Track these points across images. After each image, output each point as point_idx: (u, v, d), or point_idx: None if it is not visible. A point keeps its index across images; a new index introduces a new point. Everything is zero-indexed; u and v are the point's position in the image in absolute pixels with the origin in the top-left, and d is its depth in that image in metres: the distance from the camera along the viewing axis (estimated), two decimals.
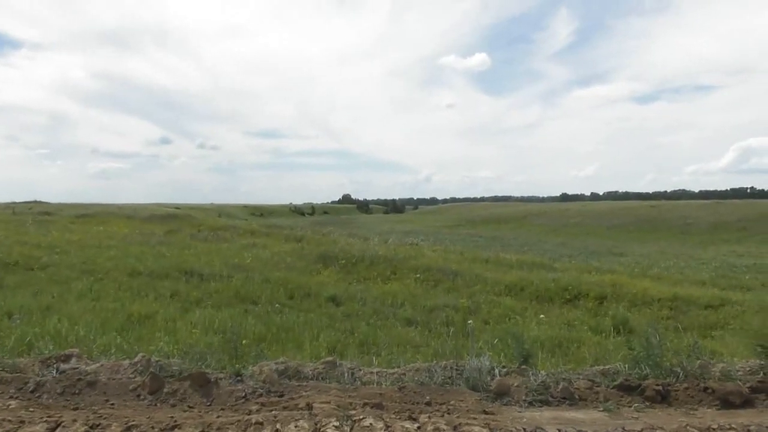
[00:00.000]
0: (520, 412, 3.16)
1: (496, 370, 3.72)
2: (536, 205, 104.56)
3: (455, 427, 2.80)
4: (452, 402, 3.28)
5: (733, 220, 46.99)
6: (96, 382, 3.45)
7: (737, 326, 9.43)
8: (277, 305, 9.72)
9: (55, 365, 3.73)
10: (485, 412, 3.11)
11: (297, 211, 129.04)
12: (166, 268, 12.86)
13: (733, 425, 2.84)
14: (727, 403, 3.23)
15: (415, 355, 6.08)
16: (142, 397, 3.32)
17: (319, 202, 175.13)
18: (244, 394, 3.36)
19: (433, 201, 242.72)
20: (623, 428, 2.87)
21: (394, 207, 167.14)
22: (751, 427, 2.82)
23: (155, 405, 3.23)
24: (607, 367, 3.89)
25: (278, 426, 2.81)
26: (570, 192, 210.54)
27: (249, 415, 3.01)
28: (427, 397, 3.33)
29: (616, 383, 3.47)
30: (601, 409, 3.21)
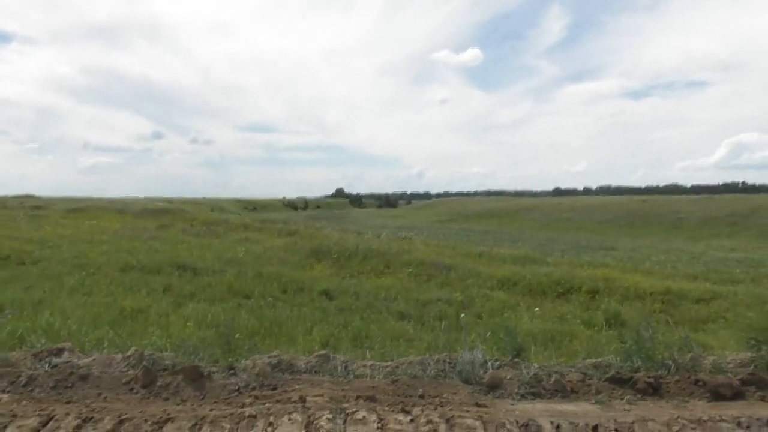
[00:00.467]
0: (512, 404, 3.17)
1: (489, 364, 3.73)
2: (529, 199, 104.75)
3: (448, 420, 2.82)
4: (445, 395, 3.29)
5: (724, 215, 47.32)
6: (88, 375, 3.43)
7: (728, 319, 9.53)
8: (270, 299, 9.69)
9: (47, 359, 3.70)
10: (478, 405, 3.12)
11: (290, 205, 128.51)
12: (159, 262, 12.78)
13: (723, 417, 2.87)
14: (718, 395, 3.26)
15: (408, 348, 6.10)
16: (134, 390, 3.30)
17: (312, 197, 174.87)
18: (237, 388, 3.35)
19: (426, 195, 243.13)
20: (615, 420, 2.89)
21: (387, 201, 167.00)
22: (742, 419, 2.85)
23: (148, 398, 3.22)
24: (599, 360, 3.92)
25: (271, 419, 2.81)
26: (563, 186, 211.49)
27: (242, 408, 3.01)
28: (420, 390, 3.34)
29: (608, 376, 3.49)
30: (593, 401, 3.23)
